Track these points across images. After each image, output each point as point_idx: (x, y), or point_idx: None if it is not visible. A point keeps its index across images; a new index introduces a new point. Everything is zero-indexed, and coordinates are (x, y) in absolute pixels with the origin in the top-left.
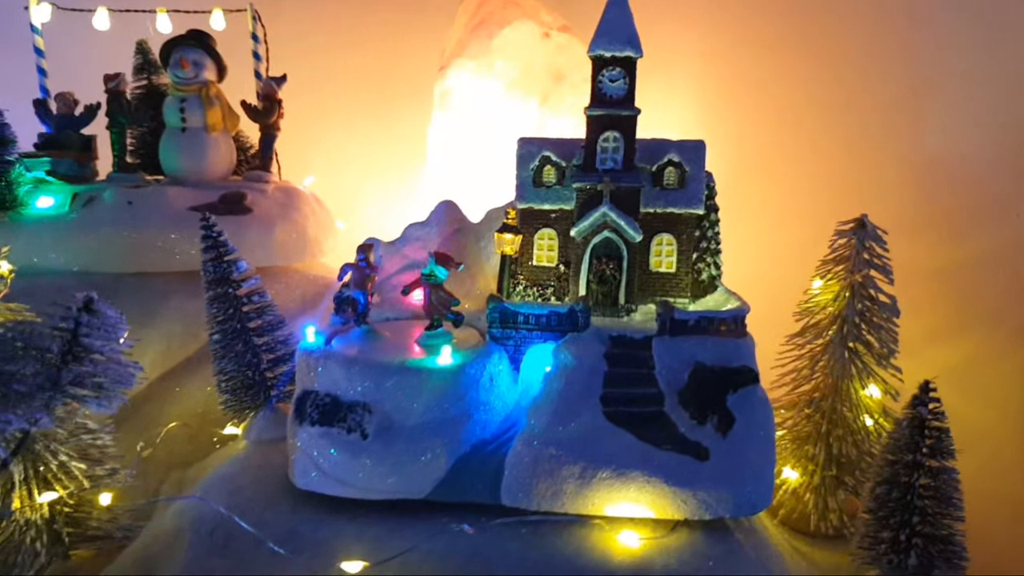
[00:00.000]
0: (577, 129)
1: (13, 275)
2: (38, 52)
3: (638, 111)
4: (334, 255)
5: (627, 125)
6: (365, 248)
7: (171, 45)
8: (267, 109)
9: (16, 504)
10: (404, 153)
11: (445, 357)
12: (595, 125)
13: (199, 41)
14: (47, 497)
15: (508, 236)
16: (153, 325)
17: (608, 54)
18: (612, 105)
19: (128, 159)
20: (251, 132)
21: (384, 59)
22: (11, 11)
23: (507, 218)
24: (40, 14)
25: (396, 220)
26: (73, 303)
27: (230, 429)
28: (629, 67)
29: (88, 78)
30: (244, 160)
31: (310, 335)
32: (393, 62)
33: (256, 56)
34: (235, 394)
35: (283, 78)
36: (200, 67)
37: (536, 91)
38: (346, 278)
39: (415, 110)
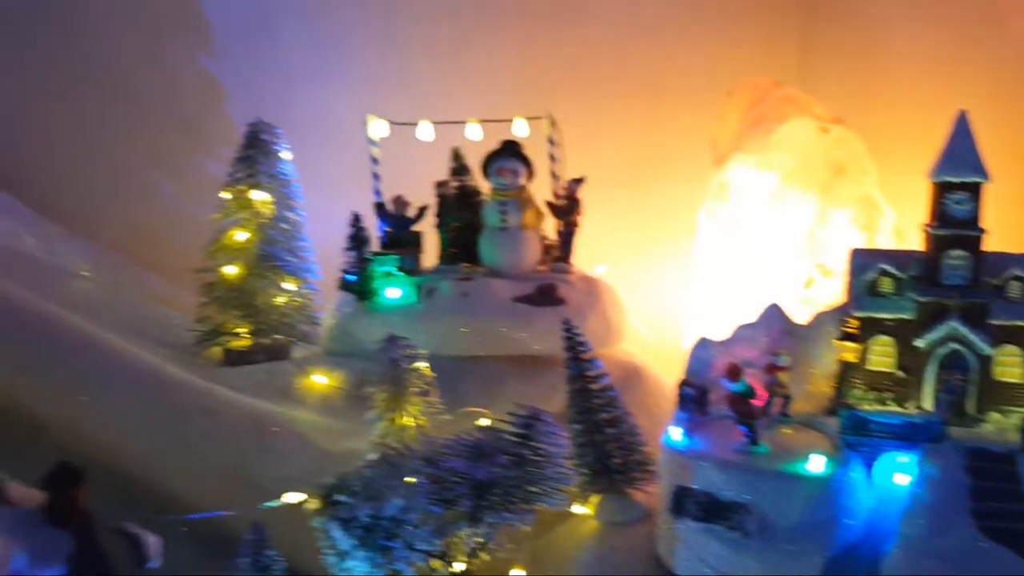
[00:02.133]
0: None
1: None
2: (374, 161)
3: (984, 231)
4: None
5: (974, 244)
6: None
7: (492, 157)
8: (569, 207)
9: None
10: (669, 238)
11: (816, 464)
12: (939, 243)
13: (515, 152)
14: (459, 566)
15: (849, 344)
16: (493, 405)
17: (955, 180)
18: (958, 226)
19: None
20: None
21: (650, 150)
22: (354, 128)
23: (847, 327)
24: (376, 129)
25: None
26: (523, 413)
27: (577, 508)
28: (975, 191)
29: (409, 181)
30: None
31: (675, 434)
32: (658, 154)
33: (553, 158)
34: (590, 478)
35: (582, 180)
36: (517, 175)
37: (815, 183)
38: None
39: (678, 196)
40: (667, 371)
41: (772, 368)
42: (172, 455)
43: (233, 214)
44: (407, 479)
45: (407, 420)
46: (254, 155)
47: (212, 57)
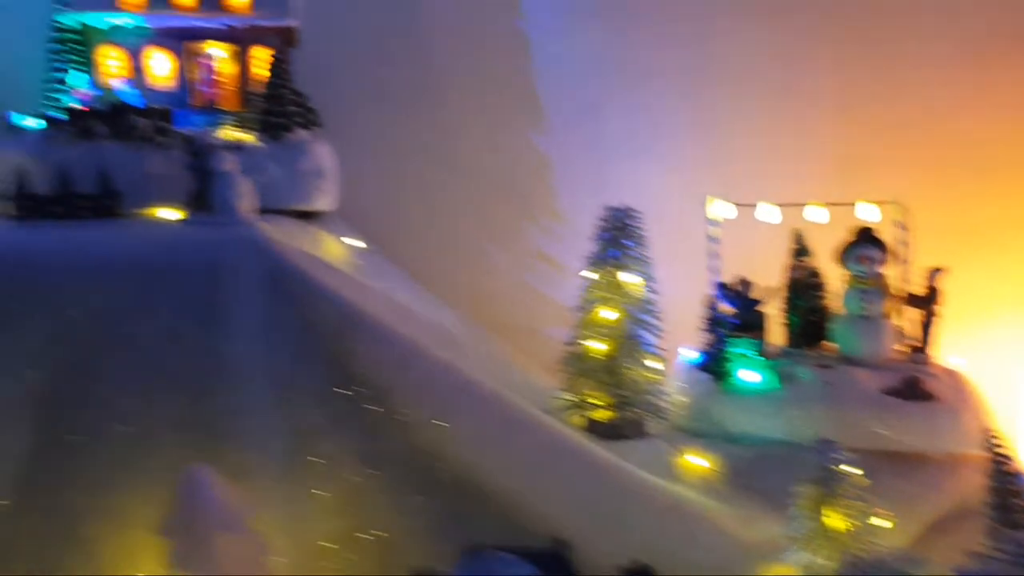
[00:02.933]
0: None
1: None
2: (712, 240)
3: None
4: None
5: None
6: None
7: (852, 244)
8: (930, 296)
9: None
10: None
11: None
12: None
13: (875, 240)
14: None
15: None
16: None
17: None
18: None
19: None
20: None
21: (975, 226)
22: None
23: None
24: (717, 209)
25: None
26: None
27: None
28: None
29: (741, 261)
30: None
31: None
32: (985, 231)
33: (903, 244)
34: None
35: (942, 269)
36: (875, 262)
37: None
38: None
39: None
40: None
41: None
42: (605, 535)
43: (600, 293)
44: None
45: (837, 523)
46: (619, 238)
47: (543, 137)
